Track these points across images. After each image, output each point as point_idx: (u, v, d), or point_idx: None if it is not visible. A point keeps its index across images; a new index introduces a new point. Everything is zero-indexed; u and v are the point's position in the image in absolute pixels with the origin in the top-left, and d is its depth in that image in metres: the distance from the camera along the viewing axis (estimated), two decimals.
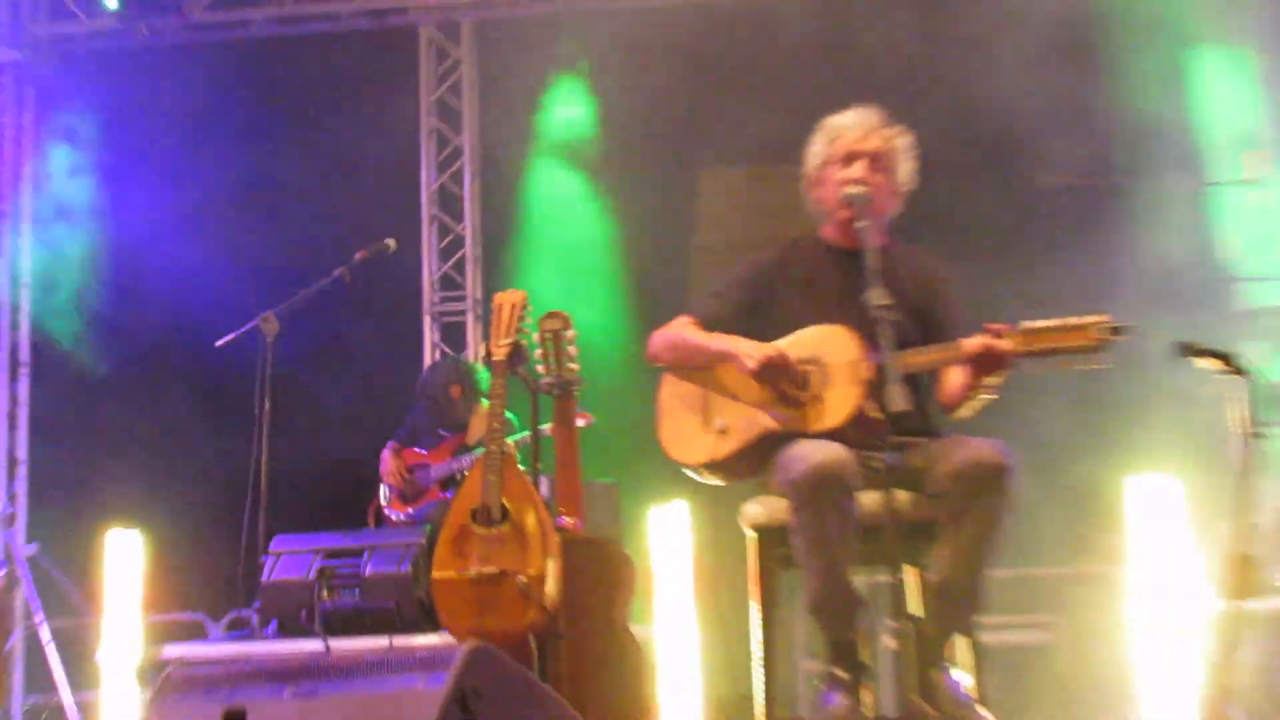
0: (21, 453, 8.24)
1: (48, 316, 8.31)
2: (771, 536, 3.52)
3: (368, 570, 5.59)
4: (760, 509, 3.53)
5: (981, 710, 3.34)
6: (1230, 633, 3.48)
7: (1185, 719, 4.80)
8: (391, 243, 6.20)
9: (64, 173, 8.53)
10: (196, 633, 6.60)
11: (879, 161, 3.71)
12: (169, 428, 7.71)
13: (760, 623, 3.58)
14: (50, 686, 6.82)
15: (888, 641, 5.73)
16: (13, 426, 8.25)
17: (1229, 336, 6.24)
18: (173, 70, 8.45)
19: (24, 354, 8.37)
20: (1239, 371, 3.52)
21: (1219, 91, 8.34)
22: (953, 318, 3.72)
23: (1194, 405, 6.52)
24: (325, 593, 5.60)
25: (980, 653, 3.56)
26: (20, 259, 8.43)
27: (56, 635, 6.88)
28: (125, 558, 5.50)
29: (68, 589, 7.12)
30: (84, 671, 6.38)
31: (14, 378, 8.32)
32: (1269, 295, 6.53)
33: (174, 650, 5.55)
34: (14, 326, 8.41)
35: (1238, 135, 8.12)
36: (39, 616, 6.96)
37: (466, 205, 8.63)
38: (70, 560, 7.08)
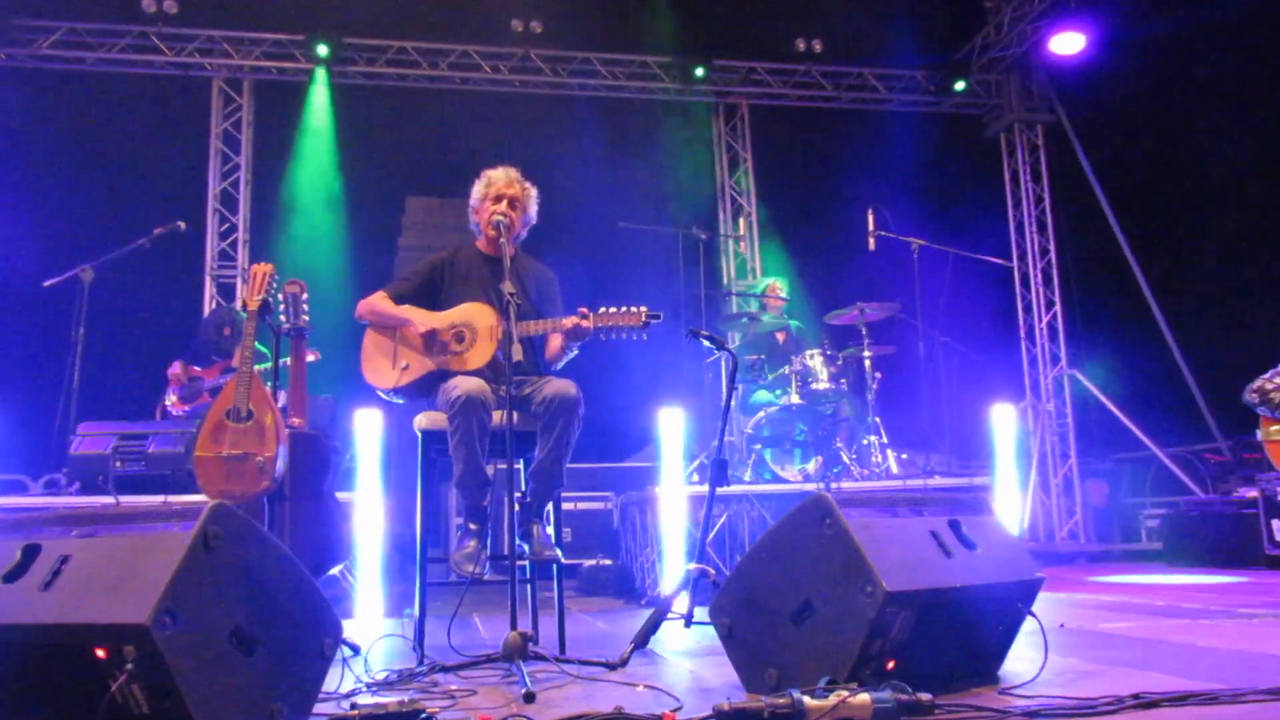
0: None
1: None
2: (432, 437, 3.45)
3: (151, 449, 5.24)
4: (426, 419, 3.45)
5: (557, 551, 3.39)
6: (707, 509, 3.65)
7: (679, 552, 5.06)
8: (182, 224, 5.94)
9: None
10: (20, 489, 5.87)
11: (516, 202, 3.68)
12: (4, 342, 6.82)
13: (421, 492, 3.51)
14: None
15: (505, 506, 5.76)
16: None
17: (722, 328, 6.60)
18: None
19: None
20: (724, 349, 3.69)
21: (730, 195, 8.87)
22: (556, 304, 3.76)
23: (698, 367, 6.89)
24: (119, 463, 5.20)
25: (560, 514, 3.61)
26: None
27: None
28: None
29: None
30: None
31: None
32: (742, 306, 6.95)
33: None
34: None
35: (736, 209, 8.64)
36: None
37: (240, 203, 8.40)
38: None
